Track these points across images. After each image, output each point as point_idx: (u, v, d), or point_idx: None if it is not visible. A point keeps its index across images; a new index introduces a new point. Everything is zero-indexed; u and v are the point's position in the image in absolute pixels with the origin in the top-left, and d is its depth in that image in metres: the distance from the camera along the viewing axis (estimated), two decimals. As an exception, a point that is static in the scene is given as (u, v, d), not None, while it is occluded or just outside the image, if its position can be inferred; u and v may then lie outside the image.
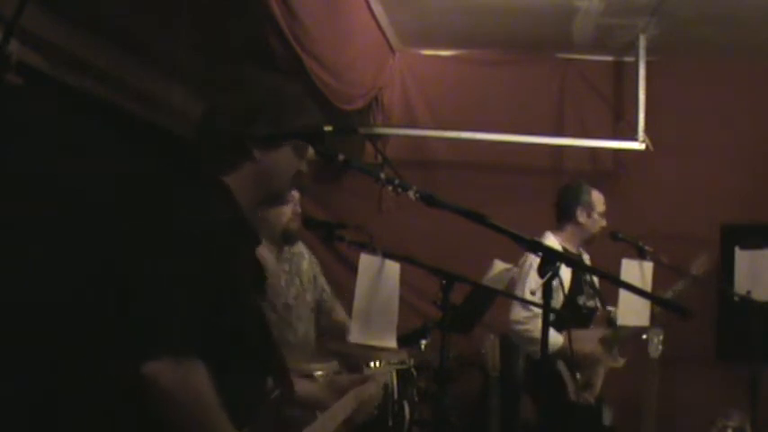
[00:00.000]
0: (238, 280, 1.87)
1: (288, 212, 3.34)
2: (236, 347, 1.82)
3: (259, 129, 1.92)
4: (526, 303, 3.74)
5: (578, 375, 3.93)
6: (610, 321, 4.00)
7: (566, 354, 3.78)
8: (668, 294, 3.87)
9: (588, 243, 4.15)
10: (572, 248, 4.09)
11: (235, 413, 1.76)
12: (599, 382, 4.00)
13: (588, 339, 3.95)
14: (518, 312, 3.87)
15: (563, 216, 4.12)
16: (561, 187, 4.26)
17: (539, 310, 3.85)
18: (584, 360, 3.92)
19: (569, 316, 3.78)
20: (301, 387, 2.17)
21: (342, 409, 2.15)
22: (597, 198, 4.10)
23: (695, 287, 4.04)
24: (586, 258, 4.20)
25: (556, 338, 3.72)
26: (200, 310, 1.72)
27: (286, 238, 3.41)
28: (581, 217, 4.07)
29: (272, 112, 1.94)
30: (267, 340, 1.97)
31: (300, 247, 3.56)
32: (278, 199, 2.11)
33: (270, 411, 1.94)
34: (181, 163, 2.09)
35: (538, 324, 3.77)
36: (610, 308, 4.03)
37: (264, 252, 3.27)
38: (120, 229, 1.85)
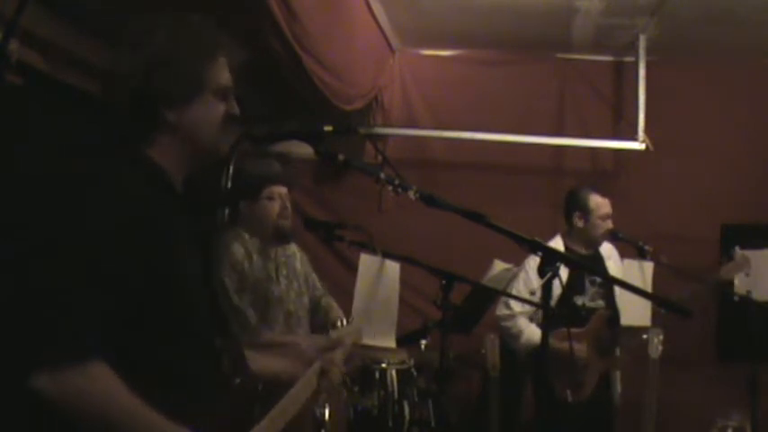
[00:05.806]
0: (171, 261, 1.63)
1: (275, 208, 3.22)
2: (179, 332, 1.62)
3: (167, 84, 1.63)
4: (515, 301, 3.82)
5: (564, 375, 3.89)
6: (609, 321, 3.99)
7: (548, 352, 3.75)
8: (677, 297, 3.82)
9: (592, 246, 4.14)
10: (580, 250, 4.10)
11: (185, 397, 1.60)
12: (591, 383, 3.96)
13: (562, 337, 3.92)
14: (500, 309, 3.99)
15: (566, 221, 4.16)
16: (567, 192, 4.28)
17: (519, 309, 3.93)
18: (557, 357, 3.86)
19: (565, 315, 3.78)
20: (264, 365, 2.00)
21: (303, 388, 2.00)
22: (597, 202, 4.07)
23: (703, 292, 4.01)
24: (609, 255, 4.18)
25: (533, 335, 3.82)
26: (94, 306, 1.50)
27: (279, 237, 3.27)
28: (578, 222, 4.08)
29: (177, 57, 1.64)
30: (215, 321, 1.78)
31: (293, 247, 3.45)
32: (212, 154, 1.75)
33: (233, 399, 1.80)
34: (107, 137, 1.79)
35: (517, 322, 3.95)
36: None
37: (252, 250, 3.23)
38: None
